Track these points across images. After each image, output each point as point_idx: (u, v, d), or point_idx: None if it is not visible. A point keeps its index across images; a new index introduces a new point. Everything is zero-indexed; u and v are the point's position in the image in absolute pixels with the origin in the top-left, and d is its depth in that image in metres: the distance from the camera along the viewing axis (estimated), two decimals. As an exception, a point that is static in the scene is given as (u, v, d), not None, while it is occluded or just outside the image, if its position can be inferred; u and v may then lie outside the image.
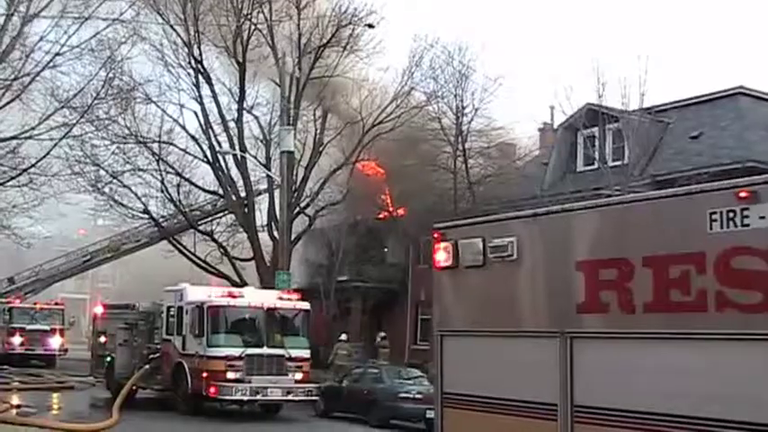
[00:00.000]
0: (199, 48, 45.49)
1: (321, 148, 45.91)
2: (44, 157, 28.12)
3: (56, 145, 29.06)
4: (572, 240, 8.78)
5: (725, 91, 39.66)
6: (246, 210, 47.40)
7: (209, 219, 51.81)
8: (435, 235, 10.25)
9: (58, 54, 26.17)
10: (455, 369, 9.94)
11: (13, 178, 27.59)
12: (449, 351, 10.05)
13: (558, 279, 8.87)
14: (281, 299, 32.59)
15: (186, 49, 45.73)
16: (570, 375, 8.56)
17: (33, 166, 27.37)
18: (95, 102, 31.10)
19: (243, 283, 43.42)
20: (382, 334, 43.73)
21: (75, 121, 29.68)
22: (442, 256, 10.08)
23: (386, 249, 51.83)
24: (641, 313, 8.07)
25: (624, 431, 8.06)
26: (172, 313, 32.78)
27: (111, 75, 31.79)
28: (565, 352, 8.61)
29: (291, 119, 42.85)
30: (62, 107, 29.97)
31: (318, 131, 45.82)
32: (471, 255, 9.67)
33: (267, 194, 47.95)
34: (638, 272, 8.09)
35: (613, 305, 8.24)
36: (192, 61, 45.97)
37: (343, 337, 40.74)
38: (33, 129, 27.51)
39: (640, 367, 8.03)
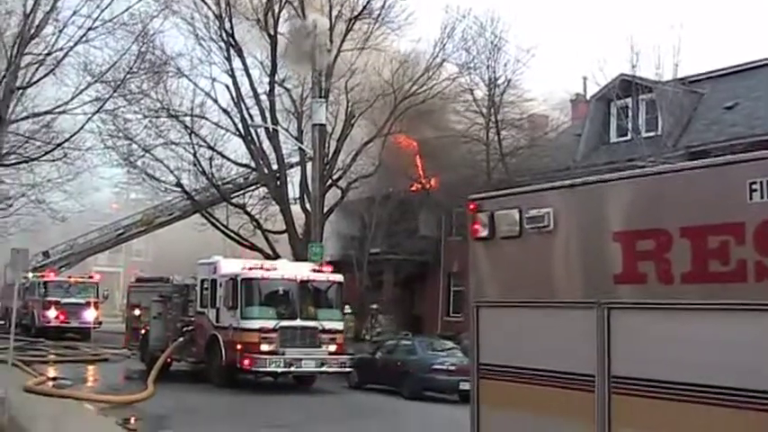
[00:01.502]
0: (230, 21, 45.50)
1: (353, 121, 45.78)
2: (79, 131, 28.28)
3: (90, 119, 29.19)
4: (609, 211, 8.73)
5: (760, 61, 39.27)
6: (279, 182, 47.48)
7: (242, 192, 51.97)
8: (471, 206, 10.21)
9: (90, 29, 26.21)
10: (491, 340, 9.91)
11: (47, 153, 27.68)
12: (485, 322, 10.02)
13: (594, 250, 8.82)
14: (314, 271, 32.71)
15: (217, 23, 45.77)
16: (607, 346, 8.52)
17: (68, 140, 27.48)
18: (128, 76, 31.10)
19: (276, 256, 43.51)
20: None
21: (108, 96, 29.72)
22: (478, 227, 10.05)
23: (418, 222, 51.71)
24: (679, 284, 8.00)
25: (662, 402, 8.03)
26: (206, 286, 32.99)
27: (143, 49, 31.77)
28: (602, 322, 8.56)
29: (323, 91, 42.81)
30: (95, 81, 30.05)
31: (350, 104, 45.66)
32: (507, 226, 9.62)
33: (299, 167, 47.99)
34: (675, 242, 8.02)
35: (651, 276, 8.18)
36: (224, 34, 46.00)
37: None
38: (67, 103, 27.56)
39: (678, 338, 7.97)
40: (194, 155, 47.94)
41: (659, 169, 8.90)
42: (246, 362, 29.90)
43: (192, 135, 47.22)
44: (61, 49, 26.44)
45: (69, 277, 56.93)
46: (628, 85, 37.74)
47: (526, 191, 9.83)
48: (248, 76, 46.44)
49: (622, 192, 8.71)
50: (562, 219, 9.14)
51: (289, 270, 32.28)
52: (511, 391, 9.55)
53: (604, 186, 8.93)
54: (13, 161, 27.94)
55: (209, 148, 48.25)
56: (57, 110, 27.37)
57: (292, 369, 30.47)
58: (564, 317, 9.06)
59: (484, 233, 9.96)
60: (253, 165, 48.65)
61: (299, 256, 41.59)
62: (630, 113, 38.89)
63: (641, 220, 8.38)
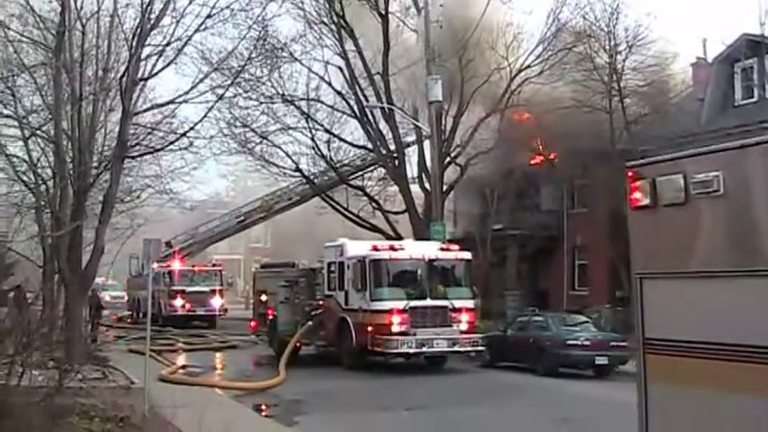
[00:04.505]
0: (340, 2, 45.29)
1: (469, 97, 45.21)
2: (203, 118, 28.32)
3: (213, 106, 29.18)
4: (789, 170, 8.18)
5: None
6: (396, 162, 47.24)
7: (360, 173, 51.90)
8: (630, 174, 9.68)
9: (209, 16, 26.13)
10: (658, 313, 9.41)
11: (173, 142, 27.79)
12: (649, 294, 9.53)
13: (773, 213, 8.29)
14: (442, 250, 32.43)
15: (327, 5, 45.64)
16: (795, 315, 8.00)
17: (192, 128, 27.54)
18: (247, 63, 31.12)
19: (397, 236, 43.40)
20: None
21: (230, 83, 29.73)
22: (637, 196, 9.56)
23: (541, 196, 51.08)
24: None
25: None
26: (333, 269, 32.96)
27: (261, 34, 31.74)
28: (787, 290, 8.04)
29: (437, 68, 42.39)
30: (215, 69, 30.09)
31: (465, 80, 45.08)
32: (671, 192, 9.11)
33: (416, 146, 47.71)
34: None
35: (842, 236, 7.65)
36: (334, 16, 45.85)
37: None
38: (187, 93, 27.60)
39: None
40: (312, 138, 48.09)
41: None
42: (378, 343, 29.77)
43: (309, 119, 47.28)
44: (179, 38, 26.35)
45: (194, 266, 57.64)
46: (752, 45, 36.64)
47: (690, 154, 9.27)
48: (361, 56, 46.20)
49: (804, 149, 8.13)
50: (734, 182, 8.58)
51: (416, 250, 32.06)
52: (684, 365, 9.06)
53: (782, 145, 8.37)
54: (139, 152, 28.04)
55: (326, 131, 48.36)
56: (178, 99, 27.37)
57: (424, 349, 30.26)
58: (739, 286, 8.53)
59: (645, 201, 9.45)
60: (370, 146, 48.48)
61: (420, 236, 41.27)
62: (757, 73, 37.81)
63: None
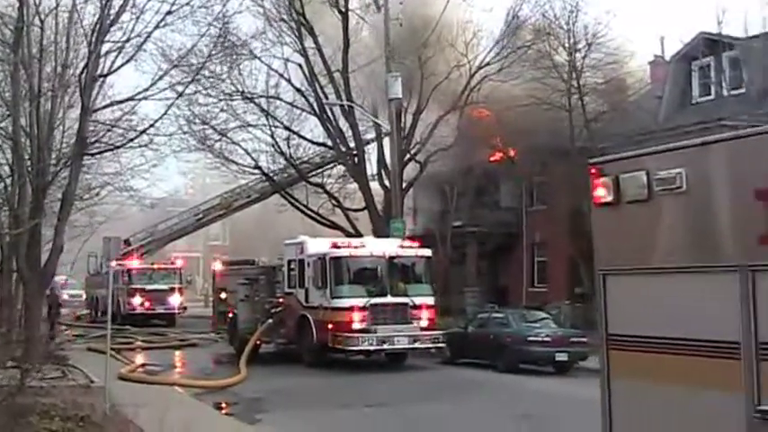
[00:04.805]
0: (300, 0, 45.20)
1: (429, 94, 45.25)
2: (163, 115, 28.15)
3: (172, 104, 29.04)
4: (750, 168, 8.22)
5: None
6: (356, 160, 47.23)
7: (320, 170, 51.84)
8: (593, 170, 9.73)
9: (169, 12, 25.97)
10: (621, 309, 9.47)
11: (132, 139, 27.62)
12: (613, 291, 9.57)
13: (735, 210, 8.34)
14: (402, 247, 32.47)
15: (287, 2, 45.52)
16: (754, 311, 8.06)
17: (152, 125, 27.35)
18: (208, 59, 30.97)
19: (357, 234, 43.45)
20: None
21: (190, 80, 29.57)
22: (601, 193, 9.60)
23: (500, 193, 51.25)
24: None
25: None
26: (293, 267, 32.96)
27: (221, 32, 31.61)
28: (746, 286, 8.10)
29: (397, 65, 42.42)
30: (174, 66, 29.91)
31: (424, 77, 45.11)
32: (634, 189, 9.16)
33: (376, 143, 47.75)
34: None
35: (804, 234, 7.72)
36: (294, 13, 45.74)
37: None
38: (146, 90, 27.42)
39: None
40: (272, 136, 48.06)
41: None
42: (338, 341, 29.80)
43: (268, 116, 47.20)
44: (139, 35, 26.19)
45: (152, 264, 57.38)
46: (708, 44, 36.96)
47: (654, 151, 9.33)
48: (321, 54, 46.11)
49: (766, 147, 8.19)
50: (696, 179, 8.65)
51: (377, 247, 32.16)
52: (646, 361, 9.13)
53: (744, 142, 8.44)
54: (99, 149, 27.84)
55: (286, 128, 48.31)
56: (137, 96, 27.19)
57: (385, 346, 30.30)
58: (702, 282, 8.60)
59: (608, 198, 9.49)
60: (330, 143, 48.44)
61: (379, 233, 41.31)
62: (714, 71, 38.14)
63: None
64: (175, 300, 55.48)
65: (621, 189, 9.34)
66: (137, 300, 53.93)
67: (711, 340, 8.45)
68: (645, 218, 9.21)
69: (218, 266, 42.10)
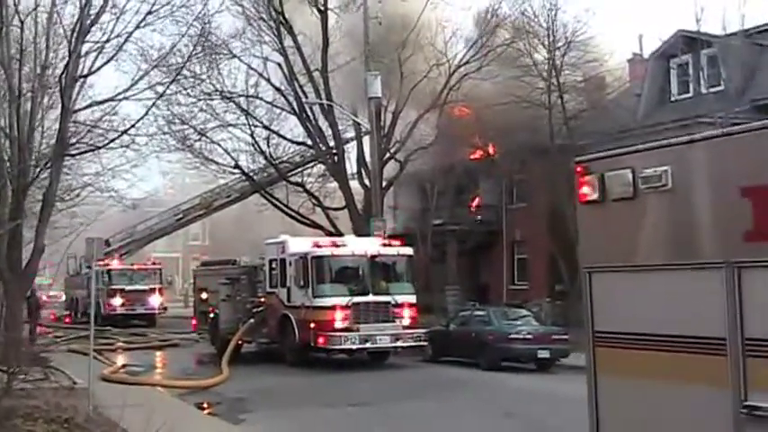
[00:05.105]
0: (279, -1, 45.21)
1: (408, 93, 45.26)
2: (145, 115, 28.08)
3: (153, 105, 28.96)
4: (736, 165, 8.28)
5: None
6: (336, 159, 47.23)
7: (300, 170, 51.80)
8: (578, 168, 9.76)
9: (149, 12, 25.93)
10: (607, 306, 9.51)
11: (113, 140, 27.54)
12: (599, 288, 9.61)
13: (721, 207, 8.39)
14: (383, 245, 32.51)
15: (266, 1, 45.47)
16: (740, 307, 8.12)
17: (133, 126, 27.30)
18: (188, 60, 30.93)
19: (338, 233, 43.46)
20: None
21: (170, 80, 29.52)
22: (586, 191, 9.64)
23: (480, 191, 51.33)
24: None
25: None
26: (274, 266, 32.93)
27: (202, 31, 31.58)
28: (732, 282, 8.16)
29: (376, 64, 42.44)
30: (155, 66, 29.85)
31: (404, 75, 45.15)
32: (620, 187, 9.21)
33: (356, 142, 47.78)
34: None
35: (788, 231, 7.77)
36: (273, 12, 45.69)
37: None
38: (126, 90, 27.37)
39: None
40: (251, 135, 48.00)
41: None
42: (321, 340, 29.82)
43: (248, 116, 47.16)
44: (119, 35, 26.13)
45: (132, 265, 57.28)
46: (687, 41, 37.11)
47: (639, 149, 9.38)
48: (300, 53, 46.07)
49: (752, 145, 8.26)
50: (682, 176, 8.71)
51: (358, 246, 32.16)
52: (632, 358, 9.17)
53: (729, 140, 8.50)
54: (80, 150, 27.76)
55: (266, 128, 48.24)
56: (118, 97, 27.12)
57: (367, 345, 30.32)
58: (688, 279, 8.65)
59: (593, 196, 9.52)
60: (309, 142, 48.44)
61: (360, 232, 41.33)
62: (692, 69, 38.31)
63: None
64: (156, 300, 55.43)
65: (607, 187, 9.38)
66: (117, 300, 53.85)
67: (698, 336, 8.50)
68: (630, 216, 9.26)
69: (198, 266, 42.02)
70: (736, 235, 8.17)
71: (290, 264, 31.62)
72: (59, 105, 26.89)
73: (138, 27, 26.09)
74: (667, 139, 9.18)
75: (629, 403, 9.23)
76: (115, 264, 55.32)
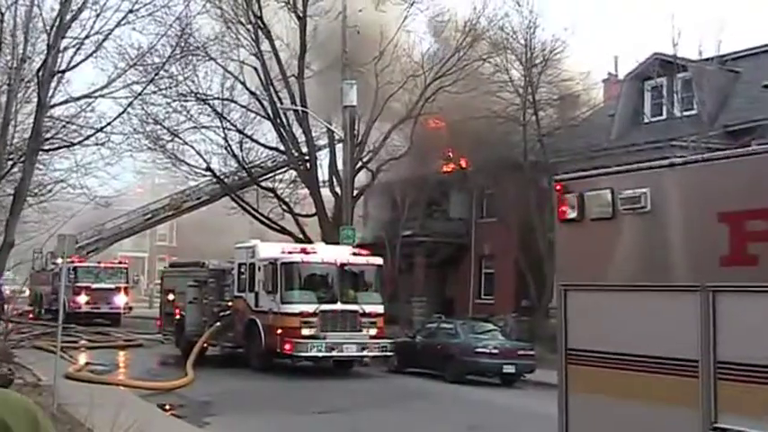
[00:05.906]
0: (258, 2, 45.12)
1: (383, 103, 45.30)
2: (121, 114, 28.06)
3: (131, 104, 28.94)
4: (714, 191, 8.42)
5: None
6: (308, 165, 47.18)
7: (271, 175, 51.75)
8: (558, 187, 9.89)
9: (131, 11, 25.92)
10: (581, 324, 9.62)
11: (89, 137, 27.49)
12: (573, 306, 9.73)
13: (698, 231, 8.53)
14: (353, 254, 32.52)
15: (245, 5, 45.42)
16: (713, 330, 8.24)
17: (110, 123, 27.28)
18: (167, 61, 30.91)
19: (307, 240, 43.42)
20: None
21: (147, 79, 29.50)
22: (565, 209, 9.75)
23: (450, 204, 51.45)
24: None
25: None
26: (243, 270, 32.83)
27: (182, 33, 31.57)
28: (706, 306, 8.28)
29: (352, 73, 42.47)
30: (134, 65, 29.81)
31: (380, 85, 45.18)
32: (599, 207, 9.34)
33: (328, 150, 47.77)
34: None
35: (763, 258, 7.89)
36: (252, 16, 45.64)
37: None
38: (103, 88, 27.31)
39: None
40: (224, 138, 47.94)
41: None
42: (287, 346, 29.77)
43: (222, 119, 47.11)
44: (99, 32, 26.08)
45: (99, 263, 56.92)
46: (662, 64, 37.37)
47: (619, 171, 9.52)
48: (277, 58, 46.00)
49: (729, 171, 8.40)
50: (661, 199, 8.84)
51: (328, 253, 32.10)
52: (604, 376, 9.29)
53: (709, 165, 8.65)
54: (54, 146, 27.66)
55: (239, 131, 48.17)
56: (95, 94, 27.05)
57: (334, 353, 30.30)
58: (663, 300, 8.79)
59: (572, 215, 9.65)
60: (282, 148, 48.39)
61: (329, 240, 41.29)
62: (666, 92, 38.59)
63: (751, 199, 8.06)
64: (121, 299, 55.05)
65: (586, 206, 9.50)
66: (82, 298, 53.34)
67: (670, 358, 8.63)
68: (608, 236, 9.39)
69: (166, 267, 41.86)
70: (713, 259, 8.30)
71: (260, 269, 31.56)
72: (35, 99, 26.80)
73: (118, 25, 26.07)
74: (640, 160, 9.35)
75: (599, 422, 9.33)
76: (78, 261, 54.84)
